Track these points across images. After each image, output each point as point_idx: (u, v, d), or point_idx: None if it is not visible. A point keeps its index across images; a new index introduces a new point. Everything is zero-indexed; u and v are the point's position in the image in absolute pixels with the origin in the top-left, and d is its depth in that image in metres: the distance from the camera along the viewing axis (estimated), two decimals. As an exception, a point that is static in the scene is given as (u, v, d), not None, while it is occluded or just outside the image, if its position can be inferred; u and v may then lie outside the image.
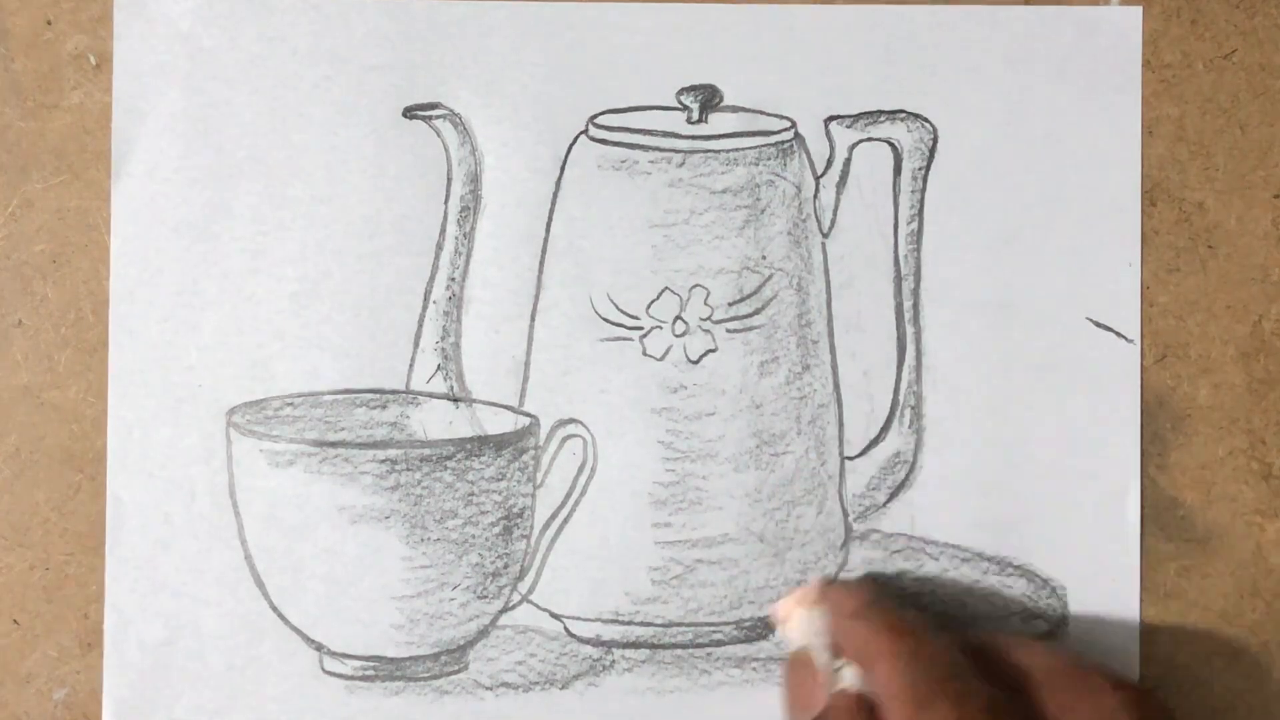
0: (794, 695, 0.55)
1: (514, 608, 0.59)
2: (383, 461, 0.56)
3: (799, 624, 0.55)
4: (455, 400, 0.59)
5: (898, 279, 0.59)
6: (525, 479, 0.58)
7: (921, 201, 0.59)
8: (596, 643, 0.59)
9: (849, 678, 0.53)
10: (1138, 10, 0.59)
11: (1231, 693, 0.59)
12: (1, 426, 0.58)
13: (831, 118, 0.59)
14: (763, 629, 0.60)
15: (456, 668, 0.59)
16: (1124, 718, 0.52)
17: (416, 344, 0.59)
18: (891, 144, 0.59)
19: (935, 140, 0.59)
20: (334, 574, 0.57)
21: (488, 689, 0.59)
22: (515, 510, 0.58)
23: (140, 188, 0.59)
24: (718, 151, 0.58)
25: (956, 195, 0.59)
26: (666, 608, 0.59)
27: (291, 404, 0.59)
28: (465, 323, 0.59)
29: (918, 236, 0.59)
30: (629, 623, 0.59)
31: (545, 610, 0.59)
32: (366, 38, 0.59)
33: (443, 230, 0.59)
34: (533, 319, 0.59)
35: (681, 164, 0.58)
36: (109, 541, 0.58)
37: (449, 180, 0.59)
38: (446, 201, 0.59)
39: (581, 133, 0.59)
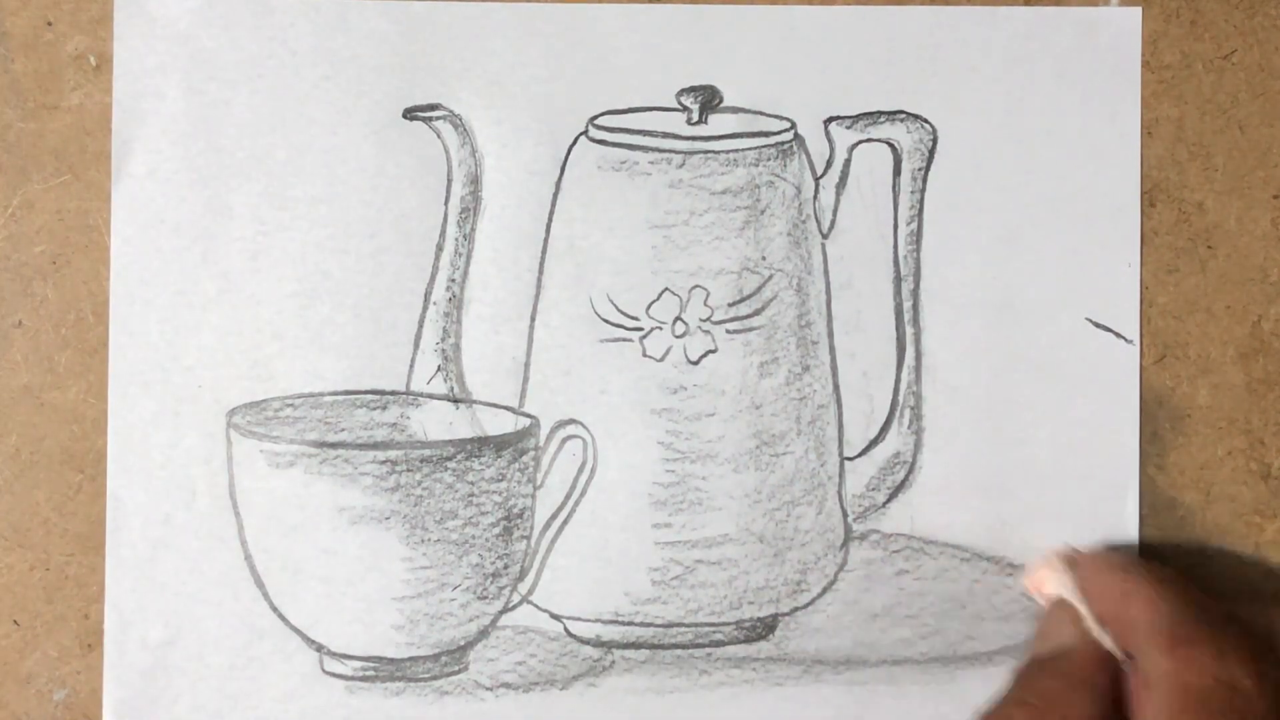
0: (1043, 631, 0.55)
1: (514, 608, 0.59)
2: (383, 462, 0.56)
3: (1056, 584, 0.55)
4: (455, 401, 0.59)
5: (897, 279, 0.59)
6: (525, 480, 0.58)
7: (921, 202, 0.59)
8: (596, 643, 0.59)
9: (1107, 637, 0.53)
10: (1137, 11, 0.59)
11: (1231, 693, 0.59)
12: (2, 427, 0.58)
13: (831, 118, 0.59)
14: (762, 629, 0.60)
15: (457, 668, 0.59)
16: None
17: (417, 345, 0.59)
18: (891, 145, 0.59)
19: (935, 141, 0.59)
20: (334, 575, 0.57)
21: (488, 689, 0.59)
22: (515, 511, 0.58)
23: (140, 188, 0.59)
24: (718, 152, 0.58)
25: (956, 196, 0.59)
26: (666, 608, 0.59)
27: (292, 405, 0.59)
28: (465, 324, 0.59)
29: (917, 237, 0.59)
30: (629, 623, 0.59)
31: (545, 611, 0.59)
32: (366, 38, 0.59)
33: (443, 231, 0.59)
34: (533, 320, 0.59)
35: (681, 165, 0.58)
36: (109, 541, 0.58)
37: (449, 181, 0.59)
38: (446, 202, 0.59)
39: (581, 134, 0.59)
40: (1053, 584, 0.55)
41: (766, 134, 0.59)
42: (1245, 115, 0.59)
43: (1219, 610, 0.53)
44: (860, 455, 0.60)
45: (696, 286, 0.58)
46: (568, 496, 0.58)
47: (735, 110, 0.59)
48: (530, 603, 0.59)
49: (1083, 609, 0.54)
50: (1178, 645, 0.51)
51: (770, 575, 0.59)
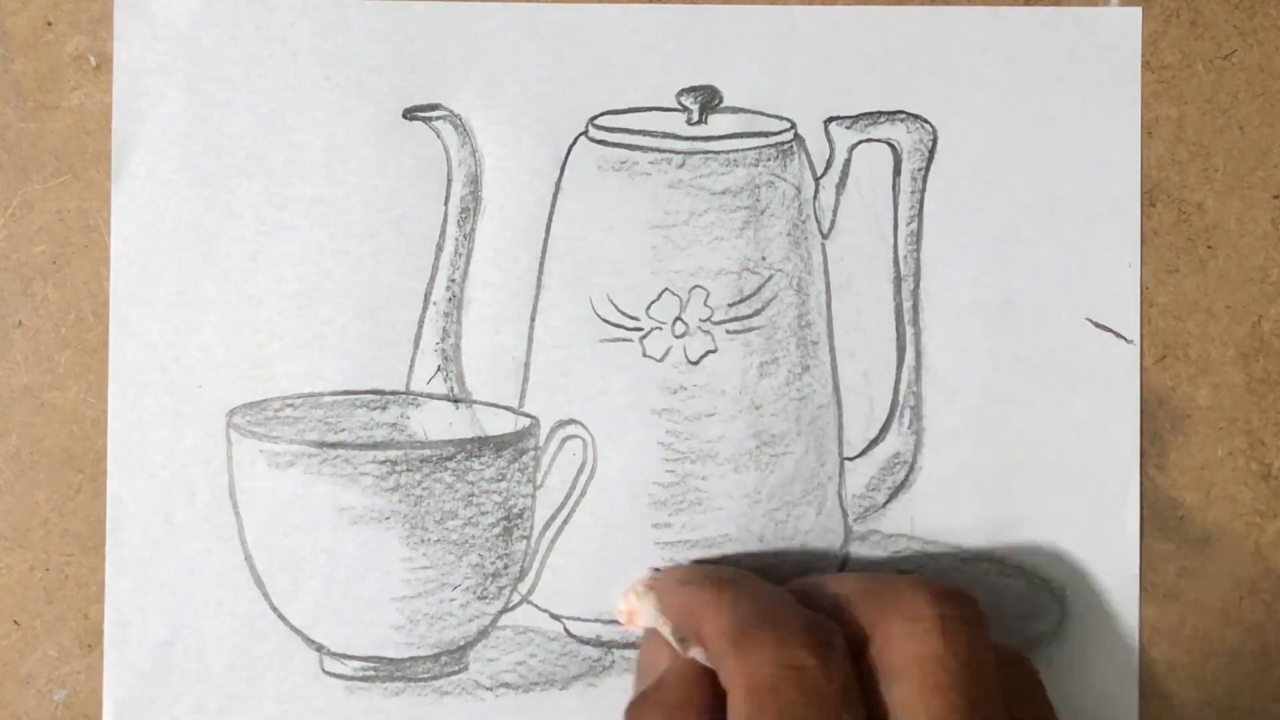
0: (643, 665, 0.55)
1: (514, 608, 0.59)
2: (383, 462, 0.56)
3: (642, 612, 0.55)
4: (455, 401, 0.59)
5: (897, 280, 0.59)
6: (525, 480, 0.58)
7: (921, 202, 0.59)
8: (596, 643, 0.59)
9: (697, 654, 0.53)
10: (1137, 11, 0.59)
11: (1231, 693, 0.59)
12: (2, 427, 0.58)
13: (831, 118, 0.59)
14: (762, 629, 0.60)
15: (457, 668, 0.59)
16: (928, 611, 0.52)
17: (416, 345, 0.59)
18: (891, 145, 0.59)
19: (935, 141, 0.59)
20: (334, 575, 0.57)
21: (488, 689, 0.59)
22: (515, 511, 0.58)
23: (140, 188, 0.59)
24: (717, 153, 0.58)
25: (956, 196, 0.59)
26: (666, 608, 0.59)
27: (292, 405, 0.59)
28: (465, 324, 0.59)
29: (917, 237, 0.59)
30: (629, 623, 0.59)
31: (545, 611, 0.59)
32: (366, 38, 0.59)
33: (442, 231, 0.59)
34: (532, 320, 0.59)
35: (681, 165, 0.58)
36: (109, 541, 0.58)
37: (449, 181, 0.59)
38: (446, 202, 0.59)
39: (581, 134, 0.59)
40: (640, 613, 0.55)
41: (766, 134, 0.59)
42: (1245, 115, 0.59)
43: (781, 603, 0.53)
44: (860, 455, 0.60)
45: (696, 287, 0.58)
46: (568, 496, 0.58)
47: (735, 110, 0.59)
48: (530, 603, 0.59)
49: (665, 630, 0.54)
50: (740, 642, 0.51)
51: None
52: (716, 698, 0.52)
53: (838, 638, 0.52)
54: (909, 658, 0.51)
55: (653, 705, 0.53)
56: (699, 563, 0.58)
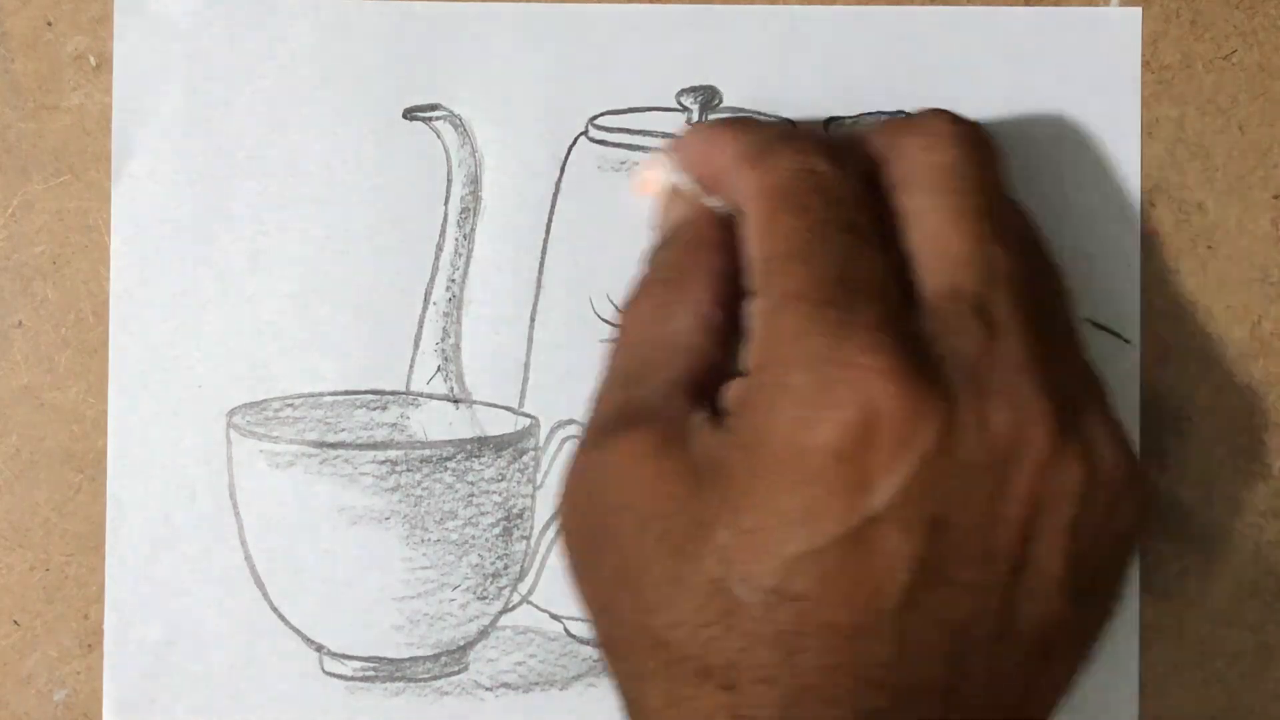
0: (661, 218, 0.56)
1: (514, 608, 0.59)
2: (383, 463, 0.56)
3: (660, 174, 0.55)
4: (455, 401, 0.59)
5: (897, 280, 0.59)
6: (525, 480, 0.58)
7: (921, 202, 0.59)
8: (596, 643, 0.59)
9: (713, 201, 0.54)
10: (1137, 11, 0.59)
11: (1231, 693, 0.59)
12: (2, 427, 0.58)
13: (831, 118, 0.59)
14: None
15: (457, 668, 0.59)
16: (948, 128, 0.52)
17: (416, 345, 0.59)
18: (891, 145, 0.59)
19: (935, 141, 0.59)
20: (334, 575, 0.57)
21: (488, 689, 0.59)
22: (515, 511, 0.58)
23: (140, 188, 0.59)
24: (718, 152, 0.58)
25: (956, 196, 0.59)
26: (666, 608, 0.59)
27: (292, 405, 0.59)
28: (465, 324, 0.59)
29: (918, 237, 0.59)
30: (629, 623, 0.59)
31: (545, 611, 0.59)
32: (366, 38, 0.59)
33: (442, 231, 0.59)
34: (532, 320, 0.59)
35: (681, 165, 0.58)
36: (109, 542, 0.58)
37: (449, 181, 0.59)
38: (446, 203, 0.59)
39: (581, 134, 0.59)
40: (657, 176, 0.55)
41: (766, 134, 0.59)
42: (1245, 115, 0.59)
43: (797, 126, 0.54)
44: (860, 455, 0.60)
45: (696, 286, 0.58)
46: (568, 497, 0.58)
47: (735, 110, 0.59)
48: (530, 603, 0.59)
49: (680, 178, 0.54)
50: (756, 156, 0.51)
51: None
52: (731, 239, 0.52)
53: (854, 152, 0.52)
54: (925, 166, 0.51)
55: (672, 243, 0.54)
56: None
